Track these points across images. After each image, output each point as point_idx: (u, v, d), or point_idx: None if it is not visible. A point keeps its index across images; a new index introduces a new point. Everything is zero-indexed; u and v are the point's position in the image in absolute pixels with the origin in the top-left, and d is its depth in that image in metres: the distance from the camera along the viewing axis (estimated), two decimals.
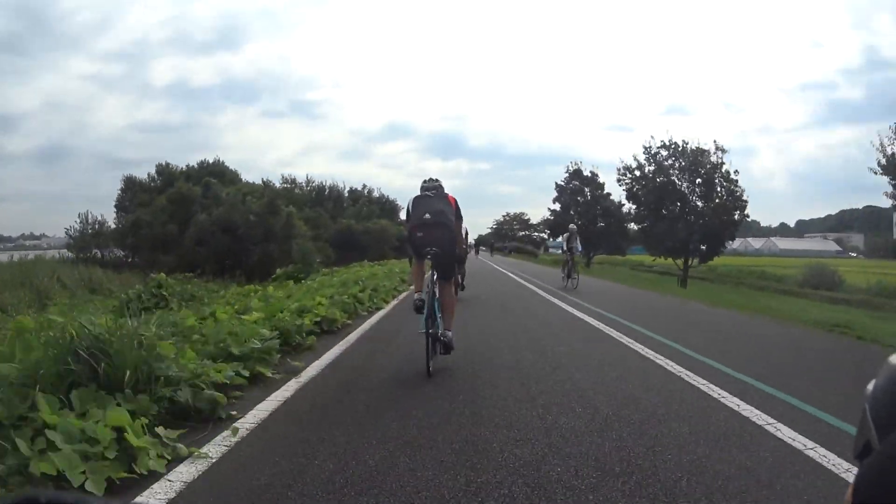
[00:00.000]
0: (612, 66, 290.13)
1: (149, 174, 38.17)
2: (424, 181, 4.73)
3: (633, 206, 27.95)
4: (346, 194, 53.26)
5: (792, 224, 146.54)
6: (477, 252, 42.83)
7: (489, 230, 75.65)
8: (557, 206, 36.19)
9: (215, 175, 36.90)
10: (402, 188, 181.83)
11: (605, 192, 35.24)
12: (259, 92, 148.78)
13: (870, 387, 0.63)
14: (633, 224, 31.09)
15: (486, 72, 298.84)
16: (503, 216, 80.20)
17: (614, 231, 34.47)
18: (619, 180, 27.36)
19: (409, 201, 4.60)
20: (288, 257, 27.88)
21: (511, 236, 73.50)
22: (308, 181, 51.79)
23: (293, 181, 47.61)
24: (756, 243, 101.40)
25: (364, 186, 55.67)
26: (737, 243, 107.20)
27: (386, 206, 55.28)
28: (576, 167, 35.72)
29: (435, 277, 4.50)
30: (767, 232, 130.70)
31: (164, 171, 38.58)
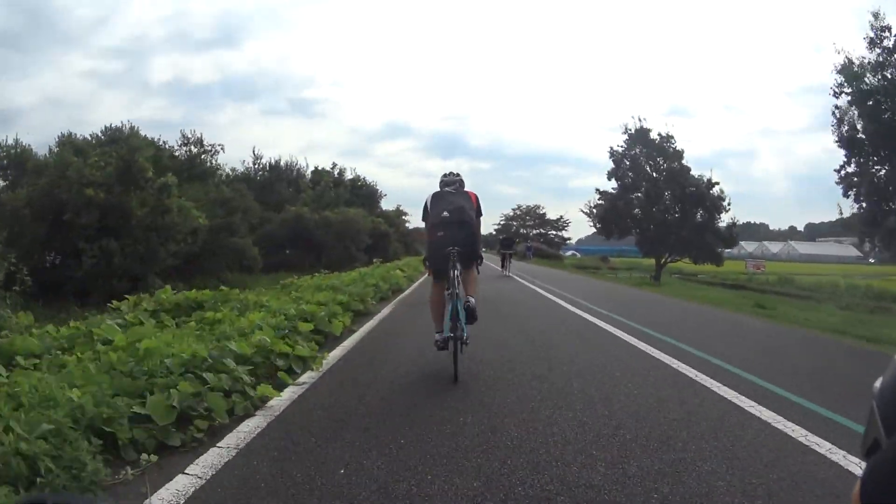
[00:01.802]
0: (615, 67, 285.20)
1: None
2: (444, 175, 4.52)
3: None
4: (309, 175, 40.06)
5: (801, 227, 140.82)
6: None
7: (496, 226, 62.24)
8: (612, 186, 23.78)
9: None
10: (401, 187, 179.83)
11: (683, 162, 22.93)
12: (259, 90, 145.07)
13: (877, 384, 0.62)
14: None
15: (486, 71, 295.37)
16: (513, 210, 65.36)
17: (704, 226, 22.17)
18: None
19: (428, 198, 4.31)
20: (152, 261, 14.82)
21: (524, 236, 59.65)
22: (256, 157, 38.54)
23: (199, 143, 28.08)
24: (774, 247, 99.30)
25: (334, 165, 42.66)
26: (752, 247, 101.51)
27: (362, 192, 42.18)
28: (640, 125, 23.32)
29: (458, 272, 4.11)
30: (777, 235, 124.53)
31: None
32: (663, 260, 23.52)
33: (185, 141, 25.51)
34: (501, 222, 62.70)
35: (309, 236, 29.84)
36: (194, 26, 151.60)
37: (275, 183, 36.92)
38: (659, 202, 22.07)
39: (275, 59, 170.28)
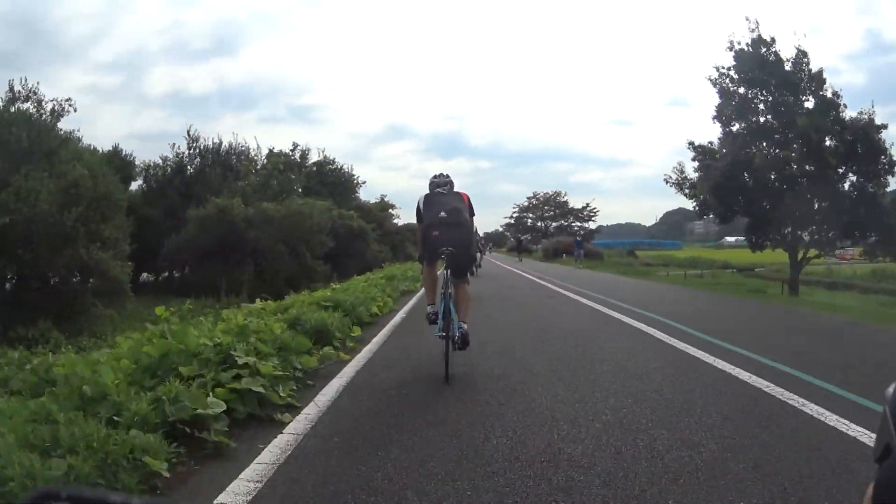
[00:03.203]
0: (613, 60, 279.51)
1: None
2: (434, 176, 4.49)
3: None
4: (262, 159, 30.04)
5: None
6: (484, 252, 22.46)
7: (509, 219, 51.10)
8: (716, 135, 14.36)
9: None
10: (404, 189, 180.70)
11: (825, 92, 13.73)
12: (256, 98, 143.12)
13: (890, 389, 0.61)
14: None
15: (485, 69, 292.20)
16: (528, 199, 52.69)
17: (872, 198, 12.99)
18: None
19: (420, 199, 4.30)
20: None
21: (541, 231, 48.36)
22: (193, 137, 28.51)
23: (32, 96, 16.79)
24: None
25: (295, 147, 32.61)
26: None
27: (329, 178, 32.36)
28: (754, 33, 13.97)
29: (449, 275, 4.19)
30: None
31: None
32: (805, 253, 14.13)
33: (13, 96, 15.54)
34: (514, 214, 50.92)
35: (238, 239, 20.25)
36: (191, 37, 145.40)
37: (206, 170, 27.28)
38: (812, 159, 12.66)
39: (272, 67, 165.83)
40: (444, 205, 4.12)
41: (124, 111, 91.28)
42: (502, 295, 10.31)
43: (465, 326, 4.05)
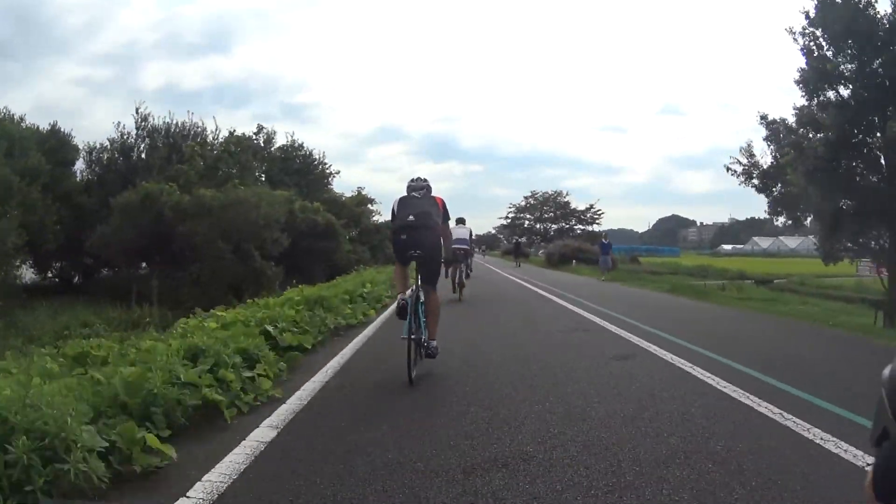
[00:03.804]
0: (606, 67, 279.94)
1: None
2: (412, 180, 4.47)
3: None
4: (218, 139, 25.42)
5: (807, 222, 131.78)
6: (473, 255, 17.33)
7: (504, 220, 44.98)
8: (791, 110, 10.40)
9: None
10: (396, 192, 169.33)
11: None
12: (250, 95, 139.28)
13: (886, 372, 0.61)
14: None
15: (478, 73, 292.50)
16: (526, 198, 45.40)
17: None
18: None
19: (395, 201, 4.33)
20: None
21: (541, 234, 42.80)
22: (142, 116, 23.75)
23: None
24: (763, 243, 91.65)
25: (260, 129, 28.04)
26: (766, 242, 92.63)
27: (294, 166, 27.86)
28: None
29: (420, 282, 4.21)
30: (783, 231, 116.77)
31: None
32: None
33: None
34: (510, 215, 45.00)
35: (167, 234, 15.93)
36: (185, 31, 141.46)
37: (148, 152, 22.79)
38: None
39: (266, 64, 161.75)
40: (415, 208, 4.16)
41: (117, 105, 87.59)
42: (510, 334, 6.29)
43: (435, 343, 4.21)
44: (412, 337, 3.84)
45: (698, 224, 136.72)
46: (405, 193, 4.33)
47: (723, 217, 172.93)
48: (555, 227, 41.76)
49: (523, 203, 44.85)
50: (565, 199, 43.18)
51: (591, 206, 42.52)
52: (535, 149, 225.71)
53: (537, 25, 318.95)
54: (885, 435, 0.58)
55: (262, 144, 27.20)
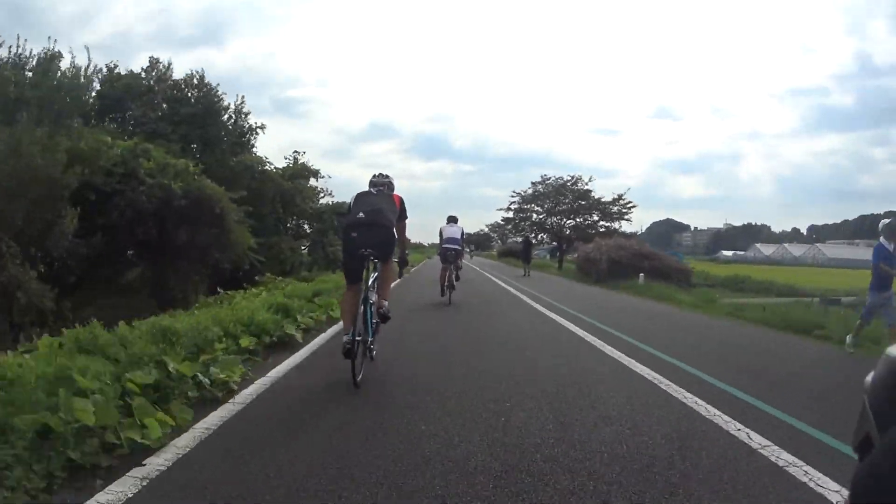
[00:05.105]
0: (599, 69, 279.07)
1: None
2: (374, 175, 4.42)
3: None
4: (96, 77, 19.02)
5: (804, 230, 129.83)
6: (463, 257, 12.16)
7: (505, 211, 33.92)
8: None
9: None
10: None
11: None
12: (242, 89, 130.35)
13: (868, 378, 0.61)
14: None
15: (471, 73, 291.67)
16: (533, 184, 34.02)
17: None
18: None
19: (352, 197, 4.21)
20: None
21: (552, 230, 32.49)
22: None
23: None
24: (766, 250, 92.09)
25: (169, 65, 21.19)
26: (767, 249, 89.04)
27: (203, 112, 20.72)
28: None
29: (373, 279, 4.06)
30: (781, 237, 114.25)
31: None
32: None
33: None
34: (513, 206, 34.22)
35: None
36: (178, 23, 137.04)
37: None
38: None
39: (259, 58, 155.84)
40: (368, 205, 4.01)
41: None
42: None
43: (387, 304, 4.15)
44: (358, 338, 3.68)
45: (692, 228, 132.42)
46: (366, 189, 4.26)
47: (715, 222, 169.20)
48: (570, 222, 31.95)
49: (530, 191, 33.58)
50: (585, 188, 32.02)
51: (621, 197, 31.34)
52: (526, 150, 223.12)
53: (531, 26, 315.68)
54: (866, 441, 0.58)
55: (160, 75, 20.49)
